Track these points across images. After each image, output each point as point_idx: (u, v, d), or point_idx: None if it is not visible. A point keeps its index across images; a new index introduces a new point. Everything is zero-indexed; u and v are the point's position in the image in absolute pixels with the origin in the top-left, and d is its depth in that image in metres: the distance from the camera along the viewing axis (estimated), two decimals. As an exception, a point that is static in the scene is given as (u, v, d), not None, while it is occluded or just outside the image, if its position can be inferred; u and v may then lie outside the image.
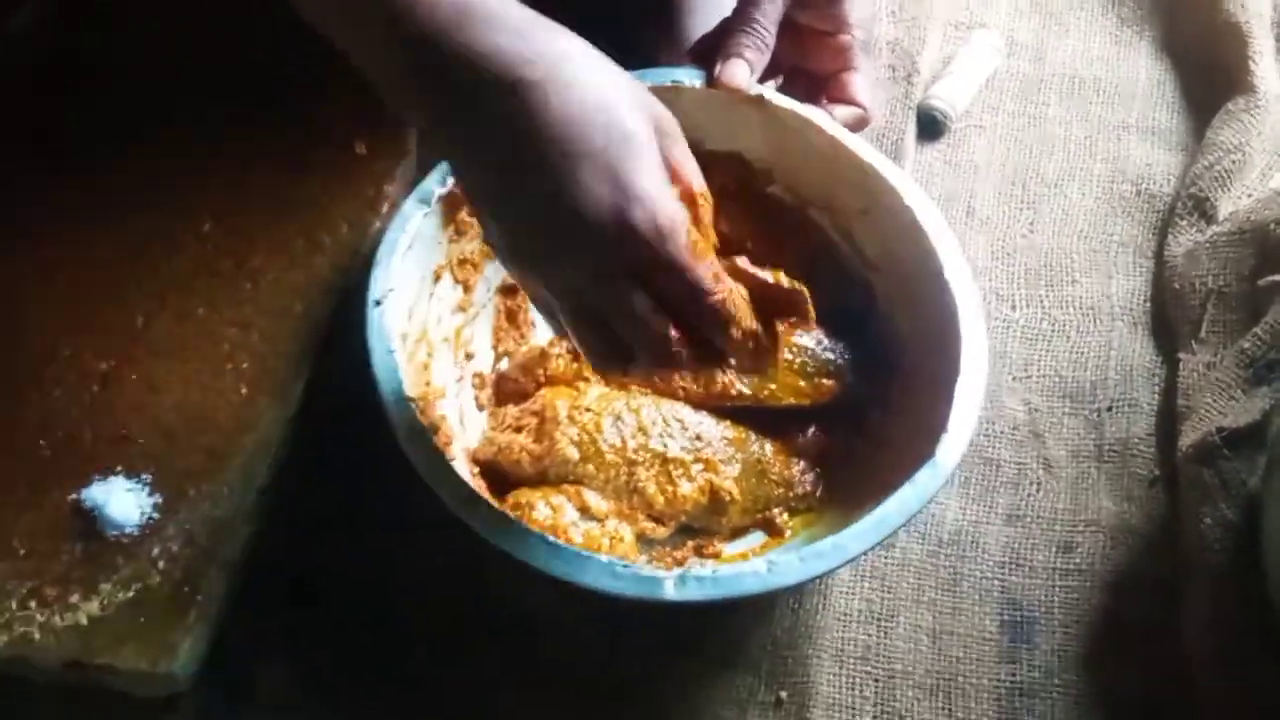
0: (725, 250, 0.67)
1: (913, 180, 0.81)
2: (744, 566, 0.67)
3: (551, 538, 0.67)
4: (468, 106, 0.59)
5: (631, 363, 0.64)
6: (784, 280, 0.69)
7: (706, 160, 0.83)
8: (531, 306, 0.77)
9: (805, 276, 0.77)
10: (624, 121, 0.59)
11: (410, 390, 0.72)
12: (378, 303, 0.73)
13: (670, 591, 0.65)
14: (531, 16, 0.60)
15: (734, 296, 0.63)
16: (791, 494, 0.80)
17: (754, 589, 0.66)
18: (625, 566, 0.66)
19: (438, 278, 0.80)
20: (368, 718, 0.75)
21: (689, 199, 0.62)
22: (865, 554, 0.69)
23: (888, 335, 0.83)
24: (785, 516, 0.79)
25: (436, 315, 0.81)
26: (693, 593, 0.65)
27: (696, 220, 0.62)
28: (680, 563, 0.76)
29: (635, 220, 0.58)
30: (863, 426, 0.81)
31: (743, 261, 0.68)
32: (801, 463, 0.81)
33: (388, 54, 0.60)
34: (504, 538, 0.66)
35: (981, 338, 0.74)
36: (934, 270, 0.77)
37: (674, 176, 0.62)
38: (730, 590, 0.66)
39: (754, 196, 0.86)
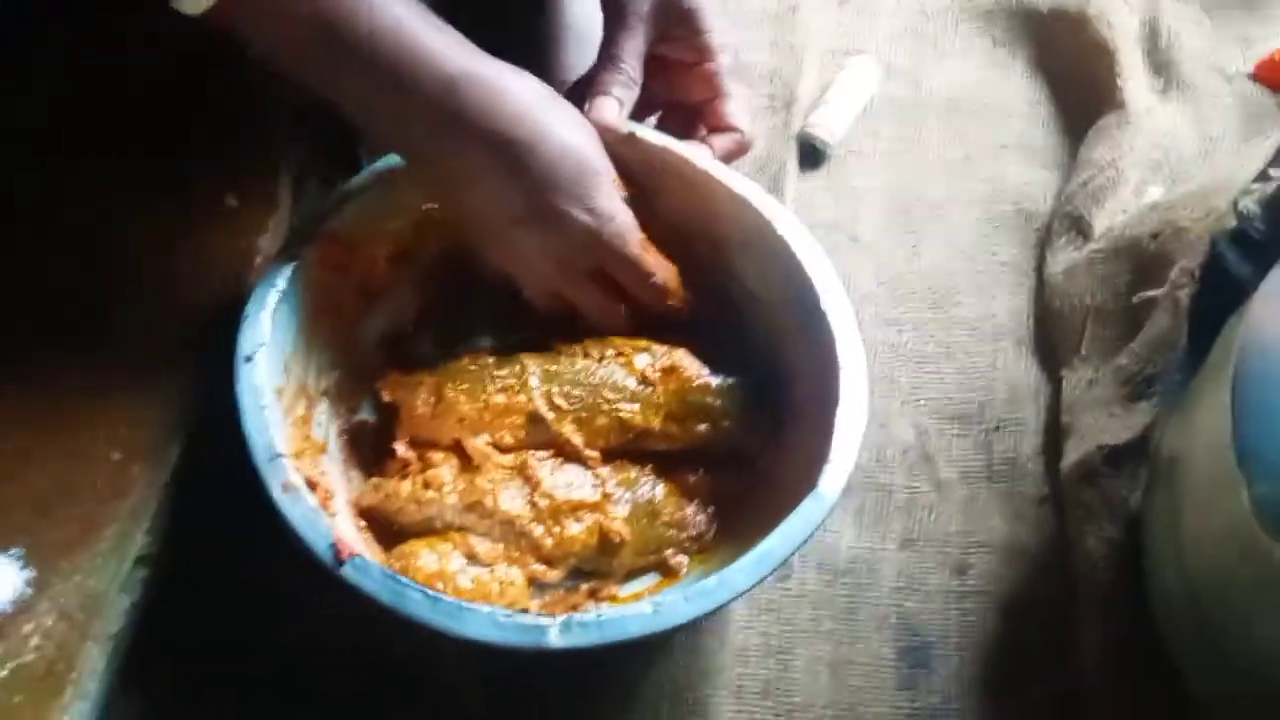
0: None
1: (788, 210, 0.81)
2: (628, 609, 0.66)
3: (430, 590, 0.65)
4: (469, 162, 0.73)
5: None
6: None
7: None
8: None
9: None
10: (589, 160, 0.76)
11: (286, 446, 0.70)
12: (248, 359, 0.72)
13: (555, 639, 0.64)
14: (510, 72, 0.74)
15: (669, 274, 0.81)
16: (685, 535, 0.79)
17: (640, 631, 0.65)
18: (507, 616, 0.65)
19: (315, 329, 0.79)
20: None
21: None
22: (752, 589, 0.68)
23: (771, 369, 0.82)
24: (680, 558, 0.78)
25: (316, 367, 0.79)
26: (578, 639, 0.64)
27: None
28: (574, 607, 0.75)
29: (604, 233, 0.76)
30: (752, 464, 0.81)
31: None
32: (694, 504, 0.80)
33: (388, 114, 0.72)
34: (384, 592, 0.65)
35: (860, 366, 0.74)
36: (811, 300, 0.77)
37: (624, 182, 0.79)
38: (616, 634, 0.65)
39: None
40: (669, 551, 0.78)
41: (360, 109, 0.72)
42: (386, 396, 0.79)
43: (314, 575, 0.66)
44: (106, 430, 0.76)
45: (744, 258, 0.83)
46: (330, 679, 0.76)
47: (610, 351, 0.81)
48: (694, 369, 0.81)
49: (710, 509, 0.80)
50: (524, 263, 0.79)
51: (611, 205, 0.77)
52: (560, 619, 0.65)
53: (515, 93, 0.73)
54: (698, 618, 0.67)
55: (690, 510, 0.80)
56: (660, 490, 0.80)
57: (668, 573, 0.78)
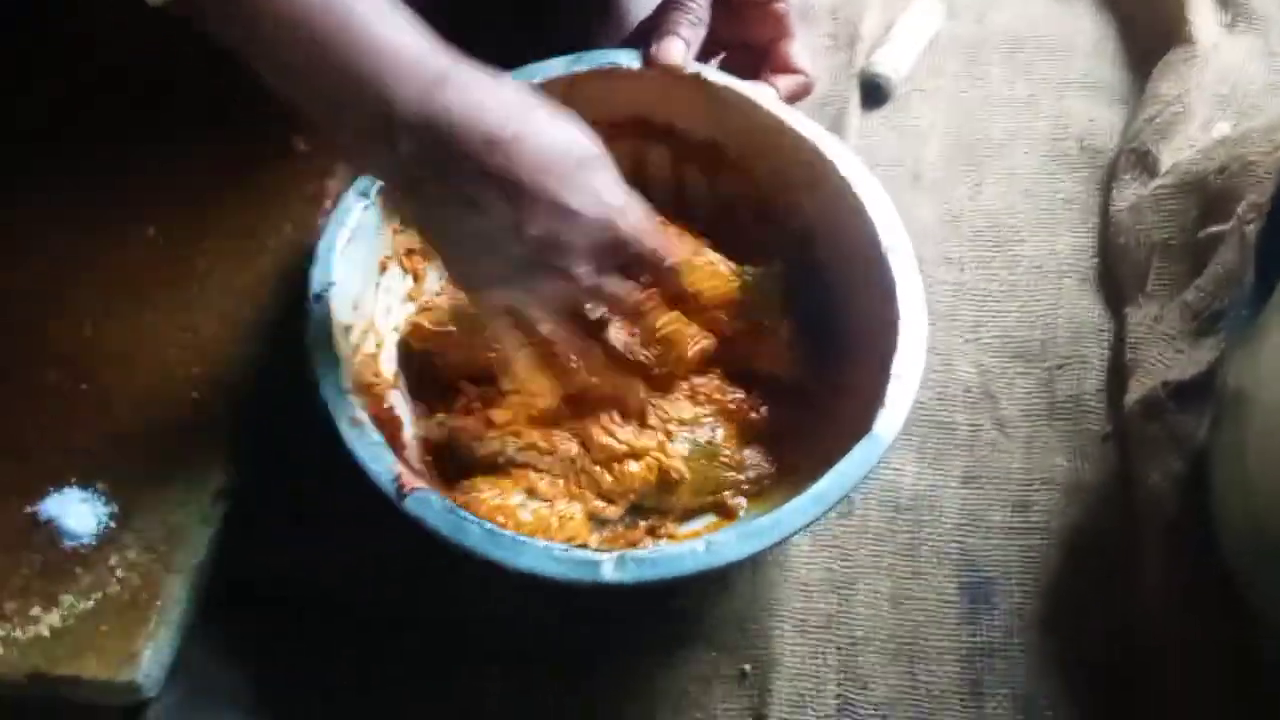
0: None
1: (853, 153, 0.81)
2: (682, 547, 0.67)
3: (489, 524, 0.67)
4: (455, 167, 0.64)
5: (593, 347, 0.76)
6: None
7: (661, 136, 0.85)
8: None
9: (759, 249, 0.84)
10: (586, 152, 0.68)
11: (353, 382, 0.72)
12: (317, 297, 0.74)
13: (609, 573, 0.66)
14: (491, 78, 0.66)
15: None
16: (743, 477, 0.80)
17: (693, 568, 0.66)
18: (563, 550, 0.66)
19: (384, 269, 0.80)
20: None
21: None
22: (805, 529, 0.69)
23: (833, 311, 0.83)
24: (739, 499, 0.79)
25: (385, 306, 0.81)
26: (631, 574, 0.66)
27: None
28: (632, 544, 0.77)
29: (622, 228, 0.69)
30: (811, 404, 0.81)
31: None
32: (753, 447, 0.81)
33: (365, 121, 0.64)
34: (444, 525, 0.67)
35: (921, 310, 0.75)
36: (873, 244, 0.77)
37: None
38: (669, 571, 0.66)
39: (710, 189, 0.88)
40: (727, 493, 0.79)
41: (335, 119, 0.65)
42: (415, 345, 0.81)
43: (385, 509, 0.68)
44: (184, 369, 0.79)
45: (809, 199, 0.83)
46: (396, 612, 0.78)
47: None
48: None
49: (769, 453, 0.81)
50: (532, 281, 0.69)
51: (622, 195, 0.70)
52: (614, 554, 0.66)
53: (501, 90, 0.66)
54: (750, 556, 0.68)
55: (749, 452, 0.81)
56: (720, 432, 0.81)
57: (726, 514, 0.79)
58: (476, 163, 0.64)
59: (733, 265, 0.82)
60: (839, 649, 0.78)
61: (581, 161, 0.67)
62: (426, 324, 0.81)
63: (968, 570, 0.80)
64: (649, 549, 0.68)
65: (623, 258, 0.71)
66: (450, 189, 0.65)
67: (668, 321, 0.78)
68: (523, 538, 0.67)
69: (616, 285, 0.72)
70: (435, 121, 0.63)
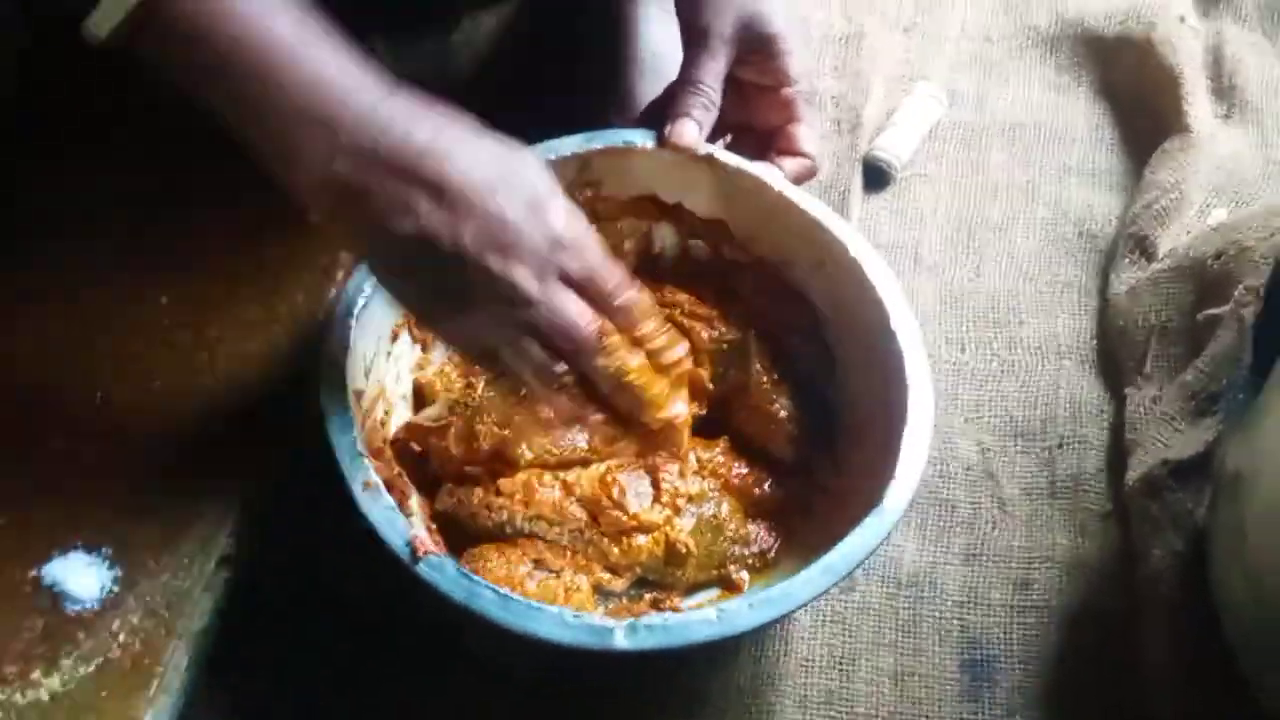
0: None
1: (859, 233, 0.83)
2: (694, 615, 0.68)
3: (503, 590, 0.67)
4: (390, 187, 0.64)
5: (561, 375, 0.72)
6: None
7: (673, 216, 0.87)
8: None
9: (766, 332, 0.85)
10: (524, 168, 0.68)
11: (364, 448, 0.72)
12: (332, 362, 0.74)
13: (621, 641, 0.66)
14: (419, 100, 0.66)
15: (643, 296, 0.74)
16: (748, 551, 0.80)
17: (704, 637, 0.66)
18: (576, 616, 0.66)
19: (395, 337, 0.81)
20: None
21: None
22: (814, 600, 0.69)
23: (839, 388, 0.84)
24: (743, 574, 0.79)
25: (395, 373, 0.82)
26: (644, 641, 0.66)
27: None
28: (637, 616, 0.77)
29: (567, 235, 0.68)
30: (816, 479, 0.82)
31: None
32: (758, 522, 0.81)
33: (309, 156, 0.64)
34: (457, 590, 0.67)
35: (927, 386, 0.76)
36: (881, 321, 0.78)
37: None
38: (681, 639, 0.66)
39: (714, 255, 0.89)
40: (732, 567, 0.79)
41: (276, 145, 0.66)
42: (415, 446, 0.81)
43: (391, 575, 0.68)
44: (192, 436, 0.79)
45: (816, 278, 0.85)
46: (410, 689, 0.78)
47: None
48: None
49: (773, 527, 0.81)
50: (476, 297, 0.68)
51: (563, 204, 0.68)
52: (627, 622, 0.66)
53: (431, 111, 0.66)
54: (760, 626, 0.68)
55: (753, 527, 0.81)
56: (726, 506, 0.81)
57: (729, 587, 0.79)
58: (412, 173, 0.64)
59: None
60: (840, 726, 0.78)
61: (522, 174, 0.67)
62: (422, 421, 0.82)
63: (969, 647, 0.80)
64: (660, 617, 0.68)
65: (568, 264, 0.69)
66: (386, 201, 0.64)
67: (638, 372, 0.76)
68: (536, 604, 0.67)
69: (569, 303, 0.69)
70: (376, 139, 0.64)
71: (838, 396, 0.84)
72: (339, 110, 0.64)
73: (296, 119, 0.64)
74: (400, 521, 0.69)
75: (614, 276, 0.71)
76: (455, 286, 0.67)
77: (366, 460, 0.71)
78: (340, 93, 0.64)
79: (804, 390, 0.85)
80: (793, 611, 0.70)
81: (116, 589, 0.74)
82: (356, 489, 0.70)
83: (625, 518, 0.78)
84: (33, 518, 0.76)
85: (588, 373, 0.73)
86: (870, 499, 0.71)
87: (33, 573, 0.74)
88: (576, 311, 0.70)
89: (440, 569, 0.68)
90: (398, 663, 0.78)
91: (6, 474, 0.78)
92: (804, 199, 0.83)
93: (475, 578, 0.68)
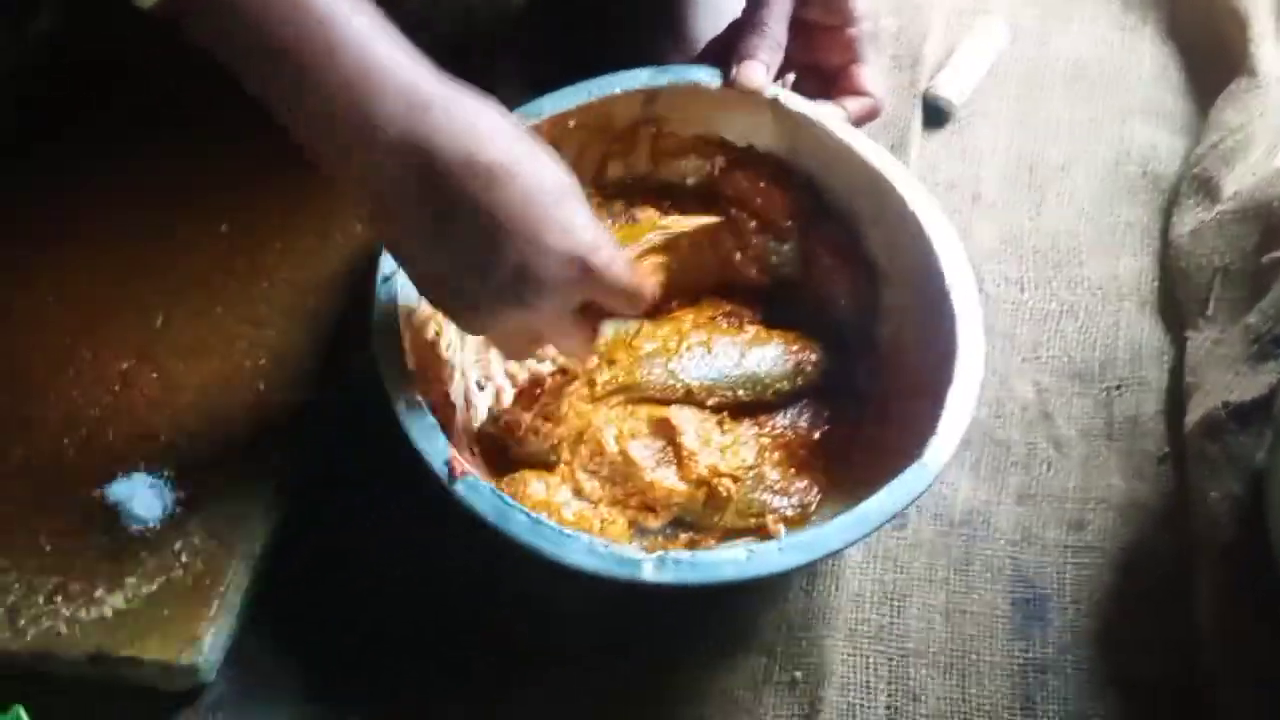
0: None
1: (919, 182, 0.82)
2: (724, 553, 0.68)
3: (536, 514, 0.68)
4: (435, 193, 0.63)
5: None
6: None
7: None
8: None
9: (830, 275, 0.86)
10: (564, 189, 0.67)
11: (413, 366, 0.73)
12: (385, 279, 0.75)
13: (649, 573, 0.66)
14: (476, 100, 0.65)
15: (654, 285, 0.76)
16: (788, 502, 0.80)
17: (733, 576, 0.67)
18: (606, 546, 0.67)
19: None
20: (388, 709, 0.76)
21: None
22: (846, 548, 0.70)
23: (891, 339, 0.84)
24: (779, 526, 0.79)
25: None
26: (670, 576, 0.66)
27: None
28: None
29: (593, 263, 0.67)
30: (863, 428, 0.82)
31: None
32: (803, 476, 0.81)
33: (347, 144, 0.63)
34: (491, 510, 0.68)
35: (979, 347, 0.75)
36: (936, 276, 0.77)
37: None
38: (708, 576, 0.67)
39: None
40: (770, 517, 0.79)
41: (317, 135, 0.64)
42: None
43: (437, 499, 0.69)
44: (252, 361, 0.81)
45: (874, 230, 0.84)
46: (457, 606, 0.79)
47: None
48: None
49: (818, 479, 0.81)
50: (502, 310, 0.68)
51: (597, 231, 0.68)
52: (656, 555, 0.67)
53: (488, 117, 0.65)
54: (790, 569, 0.68)
55: (799, 483, 0.81)
56: (773, 456, 0.81)
57: (765, 538, 0.79)
58: (457, 189, 0.63)
59: None
60: (890, 660, 0.78)
61: (559, 199, 0.66)
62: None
63: (1021, 586, 0.80)
64: (689, 553, 0.68)
65: (594, 294, 0.69)
66: (428, 213, 0.64)
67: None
68: (568, 531, 0.68)
69: (571, 331, 0.72)
70: (419, 144, 0.62)
71: (896, 344, 0.83)
72: (381, 104, 0.62)
73: (340, 114, 0.62)
74: (441, 440, 0.70)
75: (635, 284, 0.71)
76: (471, 298, 0.67)
77: (410, 380, 0.72)
78: (386, 85, 0.62)
79: (850, 338, 0.85)
80: (823, 558, 0.70)
81: (179, 510, 0.75)
82: (399, 406, 0.71)
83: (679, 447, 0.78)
84: (96, 439, 0.78)
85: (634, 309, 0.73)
86: (912, 452, 0.71)
87: (97, 492, 0.75)
88: (577, 342, 0.74)
89: (475, 489, 0.68)
90: (451, 597, 0.79)
91: (69, 396, 0.79)
92: (867, 147, 0.82)
93: (510, 500, 0.68)
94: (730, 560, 0.67)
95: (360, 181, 0.64)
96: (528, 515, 0.68)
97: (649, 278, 0.75)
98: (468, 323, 0.70)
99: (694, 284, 0.87)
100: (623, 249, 0.71)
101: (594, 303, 0.71)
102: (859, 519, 0.69)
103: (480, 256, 0.65)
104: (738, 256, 0.87)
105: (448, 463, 0.69)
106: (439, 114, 0.62)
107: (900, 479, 0.70)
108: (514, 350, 0.77)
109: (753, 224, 0.87)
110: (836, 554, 0.71)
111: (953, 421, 0.72)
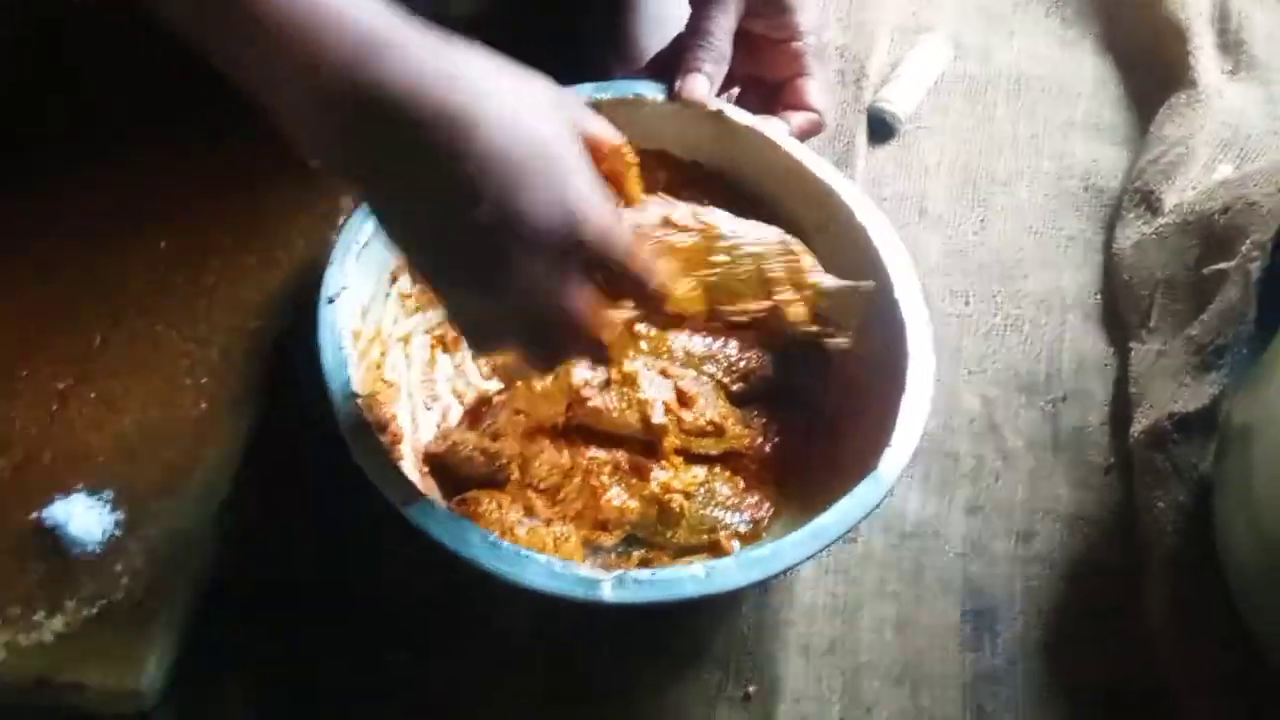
0: None
1: (865, 195, 0.82)
2: (682, 571, 0.67)
3: (492, 535, 0.67)
4: (394, 145, 0.56)
5: (561, 360, 0.68)
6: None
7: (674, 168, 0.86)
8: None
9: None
10: (551, 142, 0.59)
11: (360, 387, 0.72)
12: (330, 300, 0.74)
13: (608, 593, 0.65)
14: (442, 42, 0.58)
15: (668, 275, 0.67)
16: (740, 519, 0.80)
17: (692, 593, 0.66)
18: (564, 566, 0.66)
19: (394, 279, 0.81)
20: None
21: (615, 156, 0.66)
22: (802, 563, 0.69)
23: (841, 353, 0.83)
24: (734, 542, 0.79)
25: (393, 315, 0.81)
26: (630, 595, 0.66)
27: (624, 177, 0.67)
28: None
29: (584, 234, 0.59)
30: (814, 441, 0.82)
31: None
32: (755, 493, 0.81)
33: (297, 91, 0.57)
34: (445, 533, 0.67)
35: (929, 357, 0.75)
36: (885, 288, 0.78)
37: (595, 150, 0.63)
38: (667, 593, 0.66)
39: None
40: (722, 534, 0.79)
41: (270, 96, 0.58)
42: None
43: (393, 520, 0.68)
44: (193, 380, 0.79)
45: (819, 241, 0.84)
46: (404, 624, 0.78)
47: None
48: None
49: (768, 498, 0.81)
50: (475, 283, 0.60)
51: (590, 197, 0.60)
52: (615, 574, 0.66)
53: (455, 58, 0.57)
54: (747, 586, 0.68)
55: (751, 499, 0.81)
56: (722, 472, 0.81)
57: (718, 554, 0.78)
58: (412, 140, 0.56)
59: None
60: (842, 673, 0.78)
61: (543, 150, 0.58)
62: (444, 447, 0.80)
63: (971, 598, 0.81)
64: (648, 571, 0.68)
65: (586, 268, 0.62)
66: (389, 169, 0.57)
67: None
68: (525, 551, 0.67)
69: (577, 298, 0.62)
70: (368, 92, 0.55)
71: (837, 358, 0.83)
72: (321, 50, 0.55)
73: (284, 64, 0.56)
74: (391, 465, 0.69)
75: (639, 260, 0.64)
76: (455, 260, 0.60)
77: (358, 401, 0.71)
78: (327, 27, 0.56)
79: (796, 353, 0.85)
80: (781, 572, 0.70)
81: (119, 532, 0.73)
82: (348, 430, 0.70)
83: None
84: (33, 461, 0.76)
85: (638, 289, 0.65)
86: (865, 465, 0.71)
87: (34, 516, 0.73)
88: (584, 304, 0.63)
89: (430, 513, 0.67)
90: (402, 615, 0.78)
91: (6, 417, 0.77)
92: (812, 160, 0.83)
93: (465, 522, 0.68)
94: (689, 577, 0.67)
95: (315, 133, 0.58)
96: (484, 537, 0.67)
97: (657, 262, 0.67)
98: (448, 298, 0.64)
99: None
100: (621, 219, 0.64)
101: (603, 294, 0.64)
102: (816, 533, 0.69)
103: (449, 218, 0.57)
104: None
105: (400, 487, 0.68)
106: (393, 55, 0.55)
107: (855, 491, 0.70)
108: (480, 339, 0.67)
109: None
110: (795, 568, 0.70)
111: (906, 431, 0.72)
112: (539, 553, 0.67)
